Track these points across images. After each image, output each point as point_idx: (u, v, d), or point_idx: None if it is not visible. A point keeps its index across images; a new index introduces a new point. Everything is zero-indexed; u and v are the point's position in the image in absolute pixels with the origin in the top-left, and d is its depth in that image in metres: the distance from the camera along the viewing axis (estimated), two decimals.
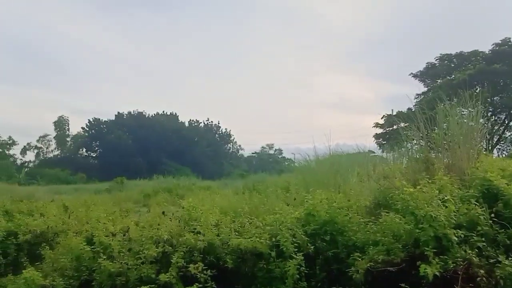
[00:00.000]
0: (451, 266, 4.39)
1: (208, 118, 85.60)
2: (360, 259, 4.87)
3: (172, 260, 5.51)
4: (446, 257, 4.47)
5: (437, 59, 33.84)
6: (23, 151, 72.65)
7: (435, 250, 4.49)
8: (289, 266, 5.04)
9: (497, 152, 28.95)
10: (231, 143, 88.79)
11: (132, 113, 79.25)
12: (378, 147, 27.39)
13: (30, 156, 74.31)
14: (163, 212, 7.56)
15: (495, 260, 4.47)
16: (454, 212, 4.77)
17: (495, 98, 30.42)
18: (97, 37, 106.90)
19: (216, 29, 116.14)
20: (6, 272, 7.60)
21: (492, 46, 30.53)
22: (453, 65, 32.83)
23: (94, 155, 77.96)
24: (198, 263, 5.40)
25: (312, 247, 5.40)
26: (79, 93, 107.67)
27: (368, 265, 4.75)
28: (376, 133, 33.69)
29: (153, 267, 5.64)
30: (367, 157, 11.68)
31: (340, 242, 5.51)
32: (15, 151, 68.89)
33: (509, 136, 32.27)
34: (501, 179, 5.42)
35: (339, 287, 5.04)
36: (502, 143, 32.03)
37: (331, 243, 5.55)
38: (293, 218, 5.89)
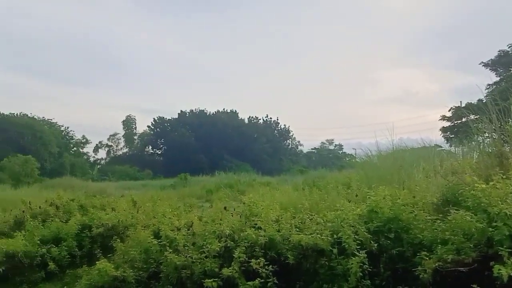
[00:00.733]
0: None
1: (267, 115, 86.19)
2: (427, 258, 4.66)
3: (234, 255, 5.61)
4: None
5: (510, 46, 31.47)
6: (95, 149, 78.01)
7: (510, 250, 4.19)
8: (352, 263, 4.94)
9: None
10: (290, 139, 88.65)
11: (194, 111, 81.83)
12: (445, 141, 26.10)
13: (102, 154, 79.60)
14: (225, 208, 7.73)
15: None
16: None
17: None
18: (161, 39, 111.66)
19: (274, 26, 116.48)
20: (81, 263, 8.20)
21: None
22: None
23: (159, 152, 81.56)
24: (260, 258, 5.45)
25: (375, 244, 5.26)
26: (145, 93, 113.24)
27: (437, 264, 4.53)
28: (443, 127, 32.13)
29: (216, 261, 5.78)
30: (433, 151, 11.15)
31: (405, 240, 5.31)
32: (88, 149, 74.04)
33: None
34: None
35: (405, 286, 4.87)
36: None
37: (396, 241, 5.36)
38: (355, 215, 5.77)
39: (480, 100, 18.42)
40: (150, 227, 7.69)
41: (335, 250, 5.29)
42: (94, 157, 76.99)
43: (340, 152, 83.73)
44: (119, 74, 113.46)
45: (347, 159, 56.58)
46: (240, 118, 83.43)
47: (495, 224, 4.42)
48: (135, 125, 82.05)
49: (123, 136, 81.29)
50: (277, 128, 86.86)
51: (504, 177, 5.05)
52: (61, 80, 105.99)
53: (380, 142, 12.97)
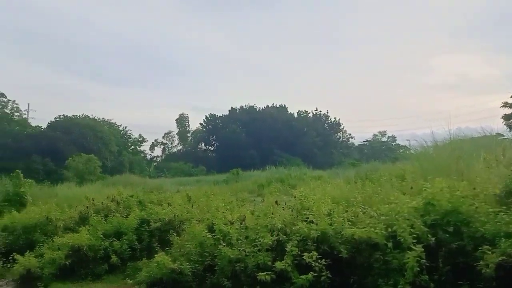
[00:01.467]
0: None
1: (316, 108, 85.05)
2: (490, 253, 4.44)
3: (286, 249, 5.64)
4: None
5: None
6: (152, 147, 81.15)
7: None
8: (408, 257, 4.80)
9: None
10: (341, 132, 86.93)
11: (244, 107, 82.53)
12: (508, 129, 24.45)
13: (158, 151, 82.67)
14: (276, 202, 7.77)
15: None
16: None
17: None
18: (209, 37, 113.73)
19: (322, 16, 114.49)
20: (141, 256, 8.60)
21: None
22: None
23: (211, 149, 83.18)
24: (312, 252, 5.44)
25: (433, 238, 5.07)
26: (196, 91, 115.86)
27: (500, 259, 4.31)
28: (505, 114, 30.27)
29: (269, 254, 5.84)
30: (494, 140, 10.51)
31: (465, 234, 5.08)
32: (145, 147, 77.01)
33: None
34: None
35: (466, 281, 4.66)
36: None
37: (455, 234, 5.14)
38: (411, 208, 5.59)
39: None
40: (204, 221, 7.90)
41: (390, 244, 5.17)
42: (150, 154, 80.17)
43: (394, 144, 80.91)
44: (171, 74, 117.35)
45: (401, 150, 54.62)
46: (289, 112, 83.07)
47: None
48: (188, 122, 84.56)
49: (177, 134, 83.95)
50: (327, 121, 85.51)
51: None
52: (119, 82, 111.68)
53: (436, 132, 12.40)
